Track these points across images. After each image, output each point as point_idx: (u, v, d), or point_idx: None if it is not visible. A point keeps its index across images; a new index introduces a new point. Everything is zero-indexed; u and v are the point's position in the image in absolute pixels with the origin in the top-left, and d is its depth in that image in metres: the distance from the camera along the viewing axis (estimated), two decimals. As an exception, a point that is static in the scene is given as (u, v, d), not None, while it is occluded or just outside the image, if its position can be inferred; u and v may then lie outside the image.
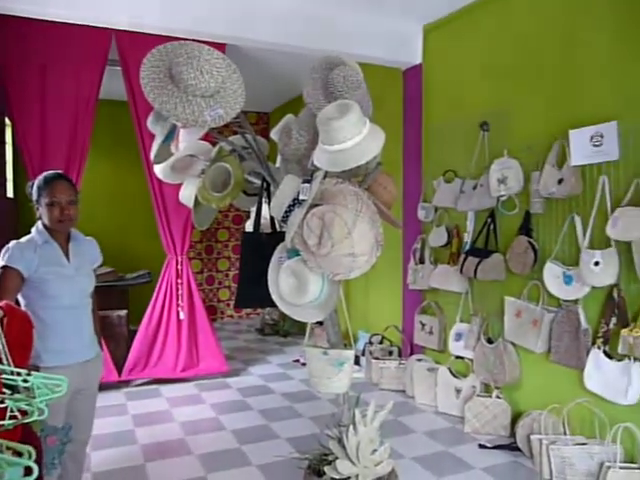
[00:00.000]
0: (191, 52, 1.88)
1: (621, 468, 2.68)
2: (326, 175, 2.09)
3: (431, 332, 4.17)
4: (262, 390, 4.51)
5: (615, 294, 2.84)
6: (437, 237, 4.07)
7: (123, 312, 4.74)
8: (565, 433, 3.00)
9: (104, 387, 3.70)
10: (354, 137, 1.83)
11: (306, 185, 1.91)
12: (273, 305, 2.22)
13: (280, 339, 6.29)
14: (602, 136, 2.86)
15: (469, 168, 3.80)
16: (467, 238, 3.80)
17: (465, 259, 3.65)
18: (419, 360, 4.18)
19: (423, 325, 4.24)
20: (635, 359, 2.71)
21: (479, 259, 3.52)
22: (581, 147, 2.95)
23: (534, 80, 3.38)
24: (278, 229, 2.52)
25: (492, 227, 3.60)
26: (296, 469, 2.49)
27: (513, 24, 3.54)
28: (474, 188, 3.69)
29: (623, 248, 2.78)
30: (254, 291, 2.34)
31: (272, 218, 2.49)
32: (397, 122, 4.66)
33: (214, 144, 2.72)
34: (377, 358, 4.52)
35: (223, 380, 4.73)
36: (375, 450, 2.29)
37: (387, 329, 4.71)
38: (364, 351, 4.78)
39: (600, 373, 2.88)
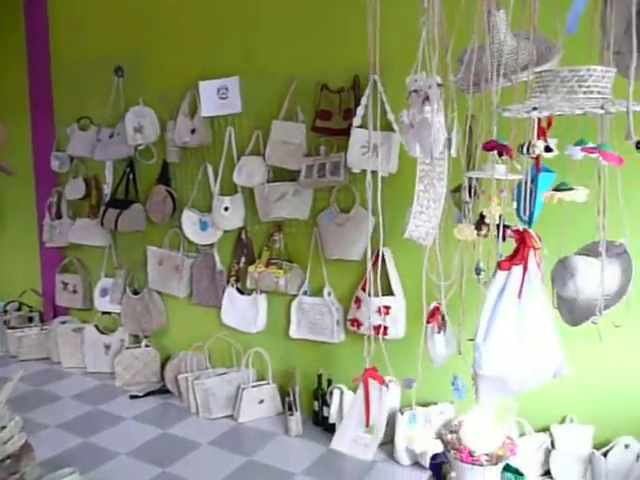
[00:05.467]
0: None
1: (253, 387, 3.06)
2: None
3: (75, 291, 3.91)
4: None
5: (243, 236, 3.15)
6: (74, 189, 3.77)
7: None
8: (208, 367, 3.23)
9: None
10: None
11: None
12: None
13: None
14: (227, 89, 3.05)
15: (105, 115, 3.60)
16: (107, 189, 3.63)
17: (105, 211, 3.49)
18: (63, 322, 3.90)
19: (65, 285, 3.94)
20: (261, 291, 3.08)
21: (119, 210, 3.42)
22: (210, 99, 3.09)
23: (168, 28, 3.35)
24: None
25: (132, 177, 3.53)
26: None
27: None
28: (111, 137, 3.53)
29: (247, 193, 3.09)
30: None
31: None
32: (20, 60, 4.05)
33: None
34: (14, 327, 4.02)
35: None
36: (4, 427, 2.04)
37: (24, 294, 4.21)
38: (-3, 322, 4.19)
39: (234, 308, 3.18)
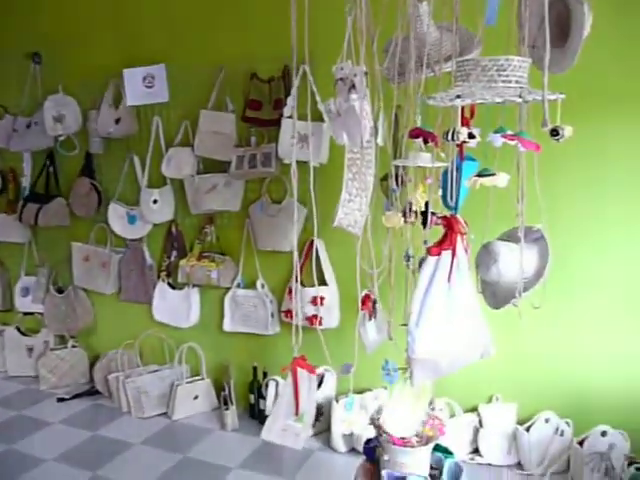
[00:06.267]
0: None
1: (187, 383, 3.00)
2: None
3: (-7, 291, 3.68)
4: None
5: (173, 229, 3.08)
6: (-12, 183, 3.54)
7: None
8: (139, 365, 3.14)
9: None
10: None
11: None
12: None
13: None
14: (153, 77, 2.95)
15: (21, 104, 3.39)
16: (25, 182, 3.44)
17: (24, 206, 3.30)
18: (-20, 325, 3.67)
19: (-18, 285, 3.70)
20: (193, 285, 3.02)
21: (39, 205, 3.24)
22: (135, 87, 2.97)
23: (90, 12, 3.18)
24: None
25: (52, 169, 3.36)
26: None
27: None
28: (28, 126, 3.33)
29: (177, 185, 3.01)
30: None
31: None
32: None
33: None
34: None
35: None
36: None
37: None
38: None
39: (165, 303, 3.11)
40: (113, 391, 3.11)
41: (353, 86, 1.30)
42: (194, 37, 2.91)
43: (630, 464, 2.17)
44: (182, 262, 2.97)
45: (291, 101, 2.59)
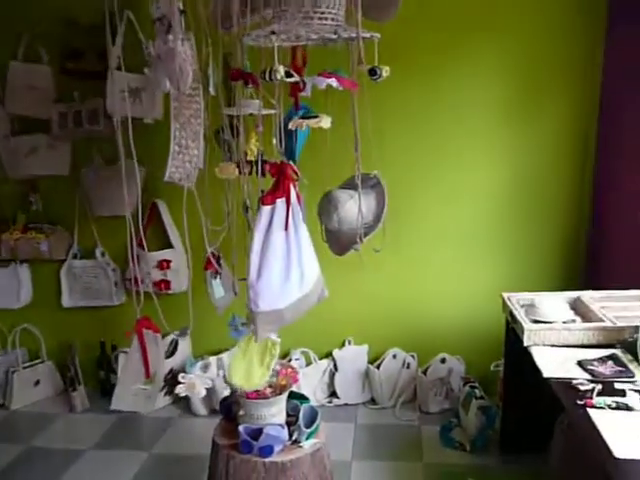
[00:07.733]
0: None
1: (25, 368, 2.75)
2: None
3: None
4: None
5: (-9, 199, 2.72)
6: None
7: None
8: (-37, 356, 2.79)
9: None
10: None
11: None
12: None
13: None
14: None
15: None
16: None
17: None
18: None
19: None
20: (20, 261, 2.71)
21: None
22: None
23: None
24: None
25: None
26: None
27: None
28: None
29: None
30: None
31: None
32: None
33: None
34: None
35: None
36: None
37: None
38: None
39: (-10, 284, 2.77)
40: None
41: (170, 26, 1.19)
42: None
43: (465, 384, 2.41)
44: (4, 236, 2.64)
45: (117, 51, 2.35)
